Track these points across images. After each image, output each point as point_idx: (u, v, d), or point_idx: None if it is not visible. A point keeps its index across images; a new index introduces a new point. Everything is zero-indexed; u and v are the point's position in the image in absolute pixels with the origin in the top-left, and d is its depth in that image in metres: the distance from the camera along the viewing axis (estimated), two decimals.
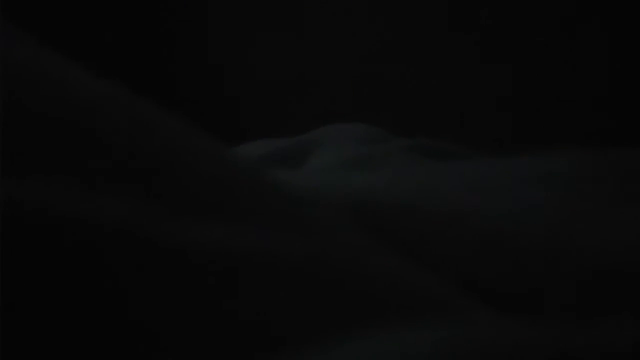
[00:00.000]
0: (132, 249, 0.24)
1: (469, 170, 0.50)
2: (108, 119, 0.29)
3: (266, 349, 0.23)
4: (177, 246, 0.24)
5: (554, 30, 1.70)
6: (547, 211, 0.42)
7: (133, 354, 0.22)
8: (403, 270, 0.30)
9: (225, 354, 0.23)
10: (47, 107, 0.28)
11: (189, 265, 0.24)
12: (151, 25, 2.04)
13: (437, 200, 0.43)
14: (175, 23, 2.04)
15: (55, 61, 0.31)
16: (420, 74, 1.81)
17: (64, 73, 0.30)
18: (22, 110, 0.27)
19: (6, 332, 0.21)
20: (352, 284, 0.27)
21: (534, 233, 0.40)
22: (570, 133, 1.69)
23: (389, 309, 0.27)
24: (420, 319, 0.26)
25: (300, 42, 1.92)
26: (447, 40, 1.78)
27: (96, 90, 0.30)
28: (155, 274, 0.23)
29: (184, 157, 0.29)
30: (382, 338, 0.21)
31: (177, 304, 0.23)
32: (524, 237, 0.39)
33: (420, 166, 0.68)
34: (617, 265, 0.38)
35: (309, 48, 1.91)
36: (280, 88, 1.95)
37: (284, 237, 0.28)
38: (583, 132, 1.68)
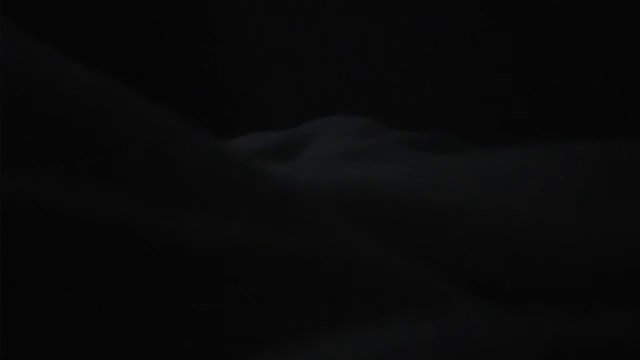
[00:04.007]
0: (123, 244, 0.23)
1: (465, 163, 0.49)
2: (99, 113, 0.29)
3: (257, 345, 0.23)
4: (169, 239, 0.24)
5: (550, 26, 1.70)
6: (547, 204, 0.42)
7: (129, 350, 0.22)
8: (399, 264, 0.30)
9: (218, 349, 0.23)
10: (39, 102, 0.27)
11: (181, 259, 0.24)
12: (147, 19, 2.04)
13: (435, 193, 0.43)
14: (172, 17, 2.04)
15: (48, 55, 0.31)
16: (417, 67, 1.82)
17: (54, 66, 0.30)
18: (14, 105, 0.27)
19: (5, 332, 0.21)
20: (345, 278, 0.27)
21: (535, 226, 0.40)
22: (567, 126, 1.69)
23: (384, 304, 0.27)
24: (416, 314, 0.26)
25: (296, 35, 1.92)
26: (443, 35, 1.79)
27: (87, 84, 0.30)
28: (148, 268, 0.23)
29: (175, 149, 0.29)
30: (376, 333, 0.21)
31: (171, 298, 0.23)
32: (524, 230, 0.39)
33: (416, 159, 0.68)
34: (619, 260, 0.37)
35: (304, 41, 1.91)
36: (275, 81, 1.95)
37: (276, 229, 0.28)
38: (580, 125, 1.69)
